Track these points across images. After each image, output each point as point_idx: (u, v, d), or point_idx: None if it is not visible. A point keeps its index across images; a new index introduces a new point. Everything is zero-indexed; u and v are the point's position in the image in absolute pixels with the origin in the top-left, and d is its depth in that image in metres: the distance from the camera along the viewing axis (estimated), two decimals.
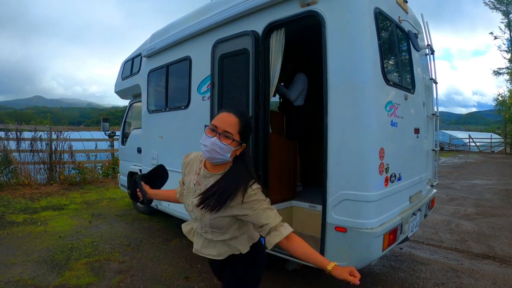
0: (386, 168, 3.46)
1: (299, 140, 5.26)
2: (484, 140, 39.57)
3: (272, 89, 4.13)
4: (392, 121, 3.61)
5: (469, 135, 39.85)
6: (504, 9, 36.08)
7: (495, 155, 30.77)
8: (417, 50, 4.52)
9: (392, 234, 3.54)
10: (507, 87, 37.00)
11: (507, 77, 36.93)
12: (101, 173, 13.07)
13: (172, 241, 5.96)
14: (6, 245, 5.72)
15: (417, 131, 4.37)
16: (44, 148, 11.80)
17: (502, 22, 36.47)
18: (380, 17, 3.62)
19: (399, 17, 4.16)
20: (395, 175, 3.68)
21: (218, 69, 4.58)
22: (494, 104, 38.55)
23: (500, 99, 36.97)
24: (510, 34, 36.52)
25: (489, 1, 36.99)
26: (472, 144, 37.76)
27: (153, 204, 6.50)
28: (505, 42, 37.27)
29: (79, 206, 8.63)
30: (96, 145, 13.54)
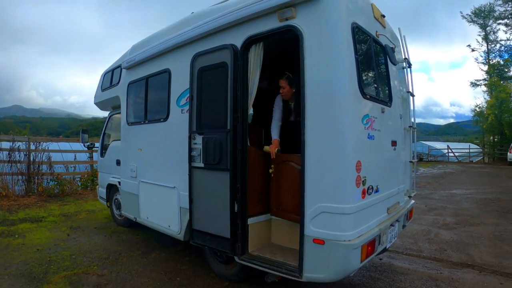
0: (363, 181, 3.50)
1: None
2: (463, 151, 40.13)
3: (250, 102, 4.16)
4: (369, 134, 3.67)
5: (448, 146, 40.39)
6: (481, 22, 37.04)
7: (473, 165, 31.27)
8: (394, 64, 4.60)
9: (370, 246, 3.57)
10: (484, 98, 37.83)
11: (484, 88, 37.80)
12: (80, 185, 12.86)
13: (151, 254, 5.89)
14: None
15: (394, 143, 4.44)
16: (22, 159, 11.57)
17: (479, 35, 37.46)
18: (358, 32, 3.68)
19: (377, 31, 4.24)
20: (372, 187, 3.72)
21: (197, 82, 4.58)
22: (472, 115, 39.30)
23: (478, 110, 37.72)
24: (487, 46, 37.45)
25: (466, 14, 37.94)
26: (451, 154, 38.27)
27: (131, 216, 6.45)
28: (482, 54, 38.22)
29: (58, 219, 8.48)
30: (75, 156, 13.35)
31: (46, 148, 12.20)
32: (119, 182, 7.01)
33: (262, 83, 4.82)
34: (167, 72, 5.33)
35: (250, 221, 4.28)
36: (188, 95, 4.74)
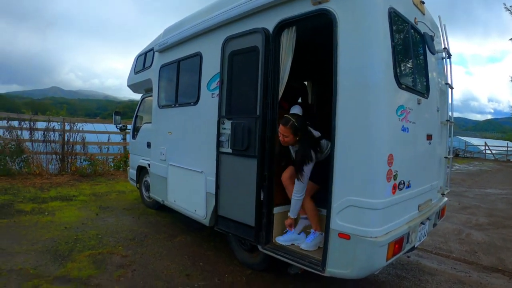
0: (394, 175, 3.36)
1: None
2: (500, 148, 38.94)
3: (281, 88, 4.05)
4: (403, 126, 3.50)
5: (485, 143, 39.23)
6: None
7: (510, 164, 30.27)
8: (433, 53, 4.39)
9: (398, 244, 3.44)
10: None
11: None
12: (112, 165, 13.13)
13: (176, 238, 5.92)
14: (12, 234, 5.75)
15: (429, 137, 4.25)
16: (57, 139, 11.87)
17: None
18: (395, 18, 3.50)
19: (415, 18, 4.04)
20: (404, 183, 3.57)
21: (227, 66, 4.51)
22: (511, 111, 37.92)
23: None
24: None
25: (510, 6, 36.41)
26: (488, 151, 37.20)
27: (159, 199, 6.49)
28: None
29: (88, 198, 8.66)
30: (109, 137, 13.57)
31: (81, 129, 12.46)
32: (149, 165, 7.06)
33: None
34: (198, 56, 5.28)
35: (276, 210, 4.21)
36: (218, 79, 4.68)
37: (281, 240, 4.18)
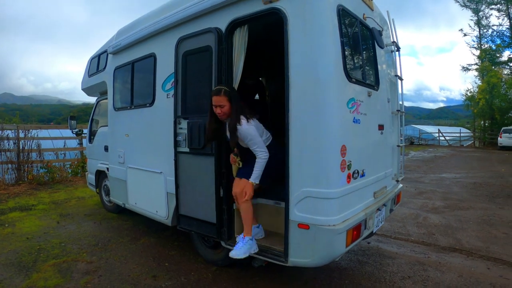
0: (348, 165, 3.48)
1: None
2: (454, 135, 40.39)
3: (235, 86, 4.11)
4: (354, 118, 3.63)
5: (439, 130, 40.54)
6: (474, 7, 36.91)
7: (464, 149, 31.43)
8: (381, 48, 4.55)
9: (356, 230, 3.57)
10: (475, 83, 37.92)
11: (475, 73, 37.87)
12: (70, 172, 12.82)
13: (140, 240, 5.89)
14: None
15: (381, 127, 4.42)
16: (11, 147, 11.50)
17: (472, 20, 37.39)
18: (344, 15, 3.62)
19: (364, 14, 4.18)
20: (358, 172, 3.70)
21: (182, 66, 4.53)
22: (462, 99, 39.44)
23: (469, 94, 37.83)
24: (479, 31, 37.43)
25: None
26: (442, 138, 38.48)
27: (120, 202, 6.42)
28: (474, 39, 38.22)
29: (47, 206, 8.45)
30: (65, 143, 13.25)
31: (35, 136, 12.10)
32: (108, 168, 6.97)
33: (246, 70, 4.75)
34: (152, 57, 5.26)
35: (236, 206, 4.26)
36: (173, 79, 4.69)
37: (235, 254, 3.79)
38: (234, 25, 3.98)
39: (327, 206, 3.31)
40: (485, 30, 37.47)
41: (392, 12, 5.05)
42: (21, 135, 11.80)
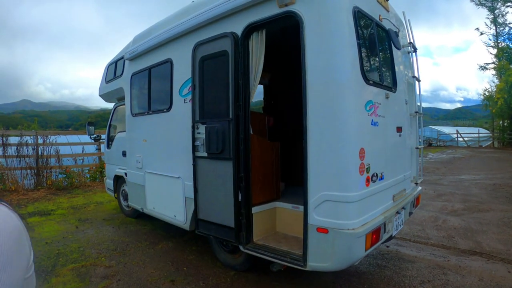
0: (367, 168, 3.46)
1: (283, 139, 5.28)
2: (472, 135, 39.82)
3: (253, 90, 4.12)
4: (372, 120, 3.61)
5: (457, 130, 40.03)
6: (490, 5, 36.43)
7: (483, 150, 30.99)
8: (398, 49, 4.51)
9: (375, 234, 3.54)
10: (493, 82, 37.33)
11: (493, 72, 37.32)
12: (88, 177, 12.97)
13: (158, 245, 5.92)
14: None
15: (399, 129, 4.38)
16: (30, 153, 11.67)
17: (488, 18, 36.88)
18: (360, 16, 3.61)
19: (380, 15, 4.16)
20: (376, 175, 3.68)
21: (199, 71, 4.56)
22: (480, 99, 38.87)
23: (487, 94, 37.28)
24: (496, 29, 36.90)
25: None
26: (460, 139, 37.99)
27: (138, 207, 6.47)
28: (491, 37, 37.68)
29: (66, 211, 8.55)
30: (83, 148, 13.43)
31: (54, 142, 12.28)
32: (126, 173, 7.04)
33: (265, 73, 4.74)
34: (169, 62, 5.31)
35: (254, 210, 4.26)
36: (190, 84, 4.73)
37: None
38: (250, 29, 4.00)
39: (346, 209, 3.29)
40: (501, 28, 36.93)
41: (405, 12, 5.02)
42: (40, 141, 11.97)
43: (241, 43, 4.06)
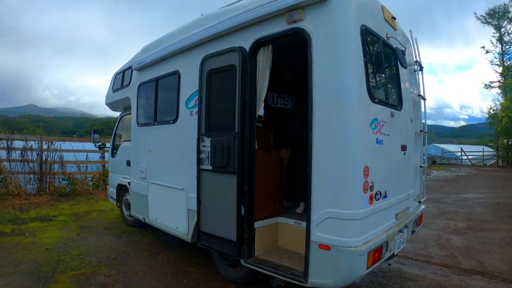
0: (371, 186, 3.46)
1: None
2: (477, 153, 39.73)
3: (259, 105, 4.14)
4: (377, 138, 3.63)
5: (461, 148, 39.96)
6: (496, 23, 36.56)
7: (487, 168, 30.88)
8: (404, 67, 4.54)
9: (377, 252, 3.54)
10: (498, 100, 37.30)
11: (498, 90, 37.31)
12: (91, 184, 12.99)
13: (159, 255, 5.91)
14: None
15: (404, 148, 4.38)
16: (34, 158, 11.70)
17: (494, 36, 36.98)
18: (367, 34, 3.64)
19: (387, 34, 4.19)
20: (380, 193, 3.68)
21: (206, 84, 4.59)
22: (485, 117, 38.83)
23: (492, 112, 37.24)
24: (502, 48, 36.98)
25: (480, 16, 37.54)
26: (464, 157, 37.89)
27: (140, 217, 6.47)
28: (497, 56, 37.74)
29: (68, 218, 8.55)
30: (87, 156, 13.45)
31: (58, 148, 12.31)
32: (129, 183, 7.04)
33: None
34: (176, 74, 5.35)
35: (257, 224, 4.26)
36: (197, 97, 4.76)
37: None
38: (258, 44, 4.04)
39: (349, 227, 3.29)
40: (507, 47, 37.03)
41: (408, 30, 5.06)
42: (45, 146, 12.01)
43: (248, 58, 4.09)
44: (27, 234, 7.00)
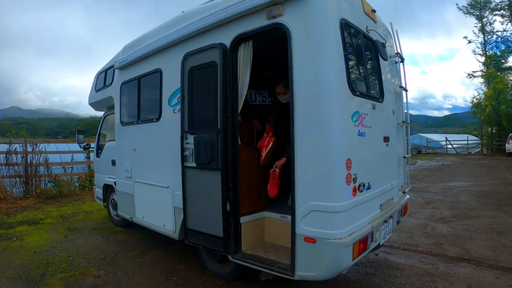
0: (354, 178, 3.50)
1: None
2: (461, 142, 40.13)
3: (241, 101, 4.15)
4: (359, 131, 3.66)
5: (446, 138, 40.28)
6: (478, 13, 36.93)
7: (471, 157, 31.22)
8: (385, 59, 4.57)
9: (362, 243, 3.58)
10: (481, 90, 37.76)
11: (481, 79, 37.75)
12: (77, 185, 12.88)
13: (147, 254, 5.90)
14: None
15: (386, 139, 4.43)
16: (19, 161, 11.56)
17: (476, 26, 37.36)
18: (346, 28, 3.66)
19: (367, 26, 4.21)
20: (363, 184, 3.72)
21: (188, 82, 4.58)
22: (468, 106, 39.31)
23: (475, 101, 37.69)
24: (484, 37, 37.38)
25: (462, 6, 37.89)
26: (449, 146, 38.25)
27: (127, 216, 6.45)
28: (479, 45, 38.15)
29: (55, 220, 8.49)
30: (72, 157, 13.35)
31: (43, 150, 12.17)
32: (115, 183, 7.01)
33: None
34: (158, 72, 5.32)
35: (243, 219, 4.27)
36: (179, 94, 4.74)
37: None
38: (239, 40, 4.04)
39: (333, 219, 3.32)
40: (489, 36, 37.44)
41: (388, 22, 5.07)
42: (29, 149, 11.88)
43: (229, 54, 4.09)
44: (14, 238, 6.94)
